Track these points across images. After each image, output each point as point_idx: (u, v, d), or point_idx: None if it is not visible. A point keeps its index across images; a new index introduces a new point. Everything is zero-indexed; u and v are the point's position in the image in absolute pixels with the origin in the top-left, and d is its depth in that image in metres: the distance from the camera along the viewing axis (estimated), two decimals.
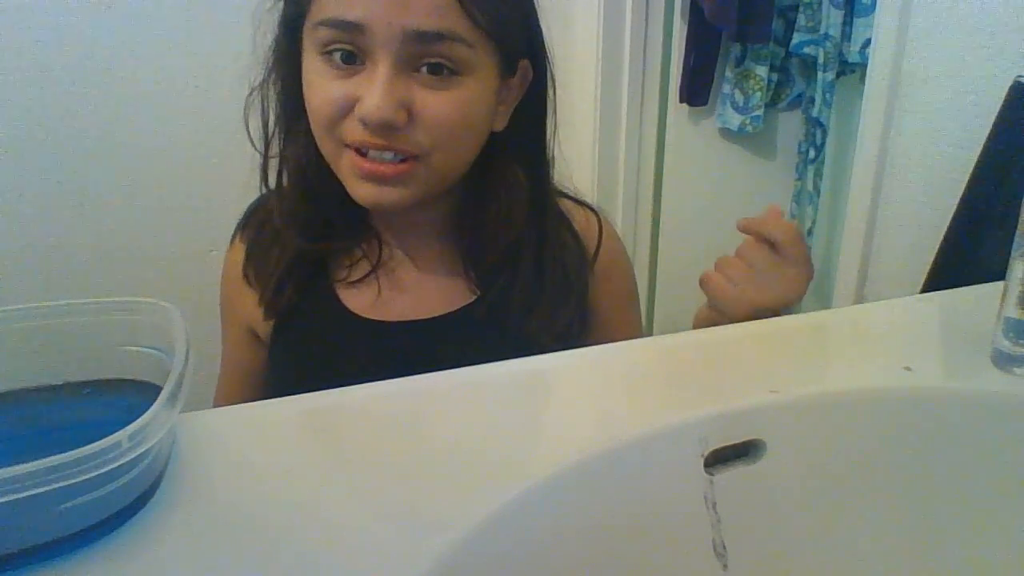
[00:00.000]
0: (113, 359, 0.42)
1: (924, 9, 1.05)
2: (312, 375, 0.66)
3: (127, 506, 0.33)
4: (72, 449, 0.29)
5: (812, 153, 1.61)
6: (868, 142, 1.16)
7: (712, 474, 0.42)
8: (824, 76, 1.51)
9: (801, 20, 1.51)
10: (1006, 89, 0.89)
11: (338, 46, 0.54)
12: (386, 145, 0.55)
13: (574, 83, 1.60)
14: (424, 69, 0.54)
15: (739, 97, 1.60)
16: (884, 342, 0.51)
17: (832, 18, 1.46)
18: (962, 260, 0.94)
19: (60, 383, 0.42)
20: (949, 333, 0.53)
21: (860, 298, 1.24)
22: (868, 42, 1.29)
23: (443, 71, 0.55)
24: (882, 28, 1.10)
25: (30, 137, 1.23)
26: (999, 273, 0.47)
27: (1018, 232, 0.44)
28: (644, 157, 1.67)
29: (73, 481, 0.29)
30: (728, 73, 1.60)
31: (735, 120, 1.61)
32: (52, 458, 0.28)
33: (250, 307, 0.68)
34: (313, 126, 0.59)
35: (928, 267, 0.99)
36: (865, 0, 1.43)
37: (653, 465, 0.41)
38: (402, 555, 0.32)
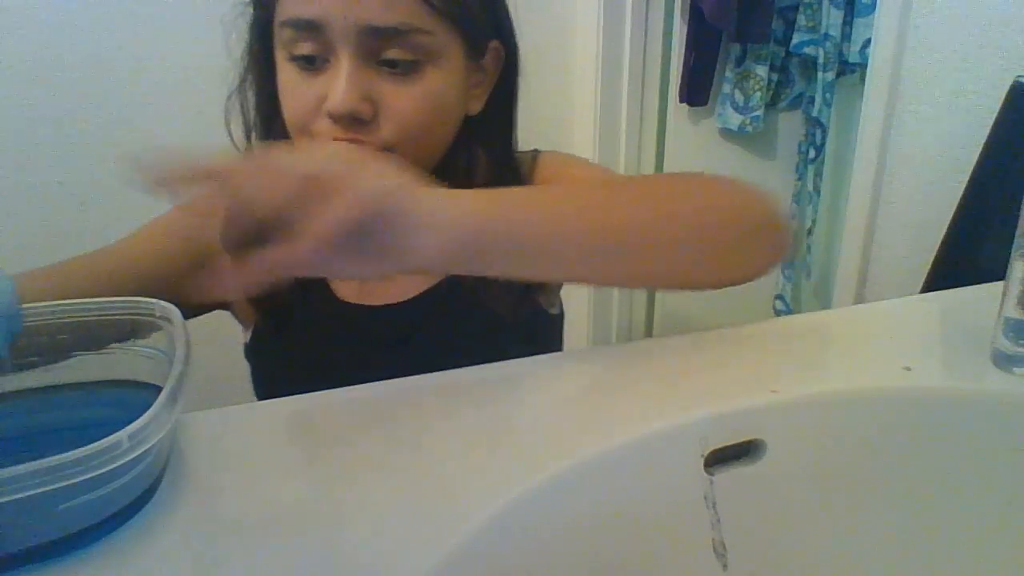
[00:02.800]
0: (113, 359, 0.42)
1: (924, 9, 1.05)
2: (300, 358, 0.66)
3: (127, 506, 0.33)
4: (72, 449, 0.29)
5: (812, 153, 1.61)
6: (868, 142, 1.16)
7: (712, 474, 0.42)
8: (824, 76, 1.51)
9: (801, 20, 1.51)
10: (1006, 89, 0.90)
11: (301, 45, 0.55)
12: (355, 140, 0.56)
13: (574, 83, 1.60)
14: (384, 65, 0.55)
15: (739, 97, 1.60)
16: (884, 342, 0.51)
17: (832, 18, 1.46)
18: (962, 260, 0.94)
19: (60, 383, 0.42)
20: (949, 333, 0.53)
21: (860, 298, 1.24)
22: (868, 42, 1.29)
23: (399, 65, 0.55)
24: (882, 28, 1.10)
25: (30, 137, 1.22)
26: (999, 273, 0.46)
27: (1018, 232, 0.44)
28: (644, 157, 1.67)
29: (73, 481, 0.29)
30: (728, 73, 1.60)
31: (735, 120, 1.61)
32: (52, 458, 0.28)
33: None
34: (289, 128, 0.60)
35: (928, 267, 0.99)
36: (865, 0, 1.43)
37: (653, 465, 0.41)
38: (402, 555, 0.32)
